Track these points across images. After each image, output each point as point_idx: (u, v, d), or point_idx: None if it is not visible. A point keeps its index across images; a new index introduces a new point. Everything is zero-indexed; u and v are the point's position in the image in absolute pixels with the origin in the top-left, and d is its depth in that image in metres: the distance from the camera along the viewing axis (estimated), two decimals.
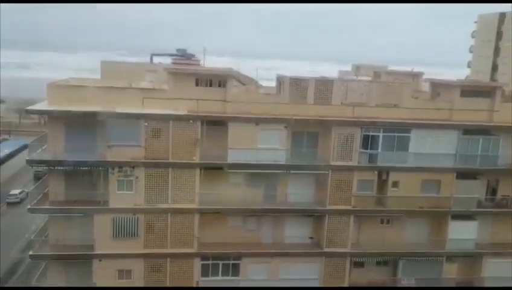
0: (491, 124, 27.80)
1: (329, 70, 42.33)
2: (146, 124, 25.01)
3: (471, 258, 28.97)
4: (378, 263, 29.31)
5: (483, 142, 27.77)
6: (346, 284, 28.40)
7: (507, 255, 28.74)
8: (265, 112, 25.98)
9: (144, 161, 25.35)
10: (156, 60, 41.79)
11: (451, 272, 28.85)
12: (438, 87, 29.92)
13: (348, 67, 39.20)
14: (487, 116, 27.89)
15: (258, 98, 26.97)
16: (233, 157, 25.96)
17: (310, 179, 27.65)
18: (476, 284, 28.97)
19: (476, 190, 28.27)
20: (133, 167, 25.43)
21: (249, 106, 25.94)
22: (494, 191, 29.12)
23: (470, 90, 28.17)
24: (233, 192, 26.87)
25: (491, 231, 29.23)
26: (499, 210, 28.57)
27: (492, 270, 28.79)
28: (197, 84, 25.88)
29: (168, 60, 37.70)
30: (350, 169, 27.02)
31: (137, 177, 25.56)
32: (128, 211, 25.86)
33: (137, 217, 26.09)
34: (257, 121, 25.95)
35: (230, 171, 26.52)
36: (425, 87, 31.60)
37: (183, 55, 38.70)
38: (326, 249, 27.81)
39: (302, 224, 28.34)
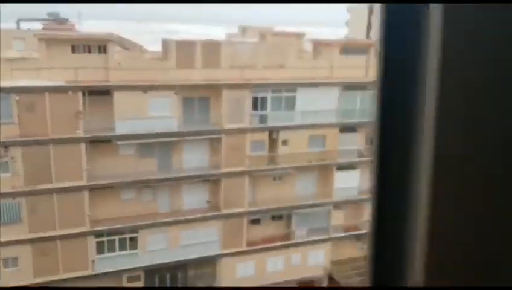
0: (367, 79, 29.99)
1: (219, 34, 41.64)
2: (17, 98, 22.40)
3: (355, 204, 31.71)
4: (273, 218, 30.71)
5: (361, 97, 29.97)
6: (244, 242, 29.39)
7: None
8: (152, 78, 24.85)
9: (19, 139, 22.86)
10: (23, 26, 37.13)
11: (338, 219, 31.39)
12: (320, 46, 31.23)
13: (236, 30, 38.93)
14: (363, 72, 29.99)
15: (144, 64, 25.66)
16: (121, 128, 24.64)
17: (204, 144, 27.51)
18: (361, 228, 31.94)
19: (356, 141, 30.66)
20: (7, 147, 22.83)
21: (134, 73, 24.56)
22: (372, 142, 31.78)
23: (348, 48, 29.93)
24: (125, 164, 25.72)
25: (370, 177, 32.12)
26: None
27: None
28: (73, 51, 23.70)
29: (38, 26, 33.72)
30: (242, 131, 27.39)
31: (12, 158, 23.06)
32: (6, 195, 23.38)
33: (18, 201, 23.76)
34: (144, 89, 24.77)
35: (119, 143, 25.21)
36: (308, 47, 32.80)
37: (56, 20, 34.88)
38: (224, 211, 28.30)
39: (200, 190, 28.35)
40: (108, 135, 24.64)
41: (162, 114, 25.29)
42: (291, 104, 28.33)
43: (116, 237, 26.66)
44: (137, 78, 24.51)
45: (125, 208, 26.55)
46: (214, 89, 26.39)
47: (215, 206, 28.61)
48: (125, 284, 27.59)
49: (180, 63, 25.49)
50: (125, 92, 24.36)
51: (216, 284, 29.45)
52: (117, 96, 24.33)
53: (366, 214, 31.67)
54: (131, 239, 27.00)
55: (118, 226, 26.22)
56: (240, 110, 26.98)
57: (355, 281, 30.46)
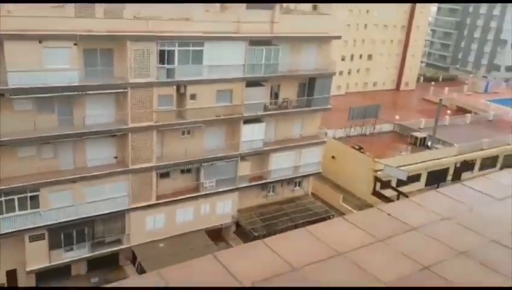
0: (272, 34, 30.75)
1: None
2: None
3: (261, 155, 33.25)
4: (182, 172, 31.17)
5: (266, 52, 30.74)
6: (154, 195, 29.63)
7: (287, 149, 33.95)
8: (49, 27, 23.07)
9: None
10: None
11: (245, 170, 32.78)
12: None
13: None
14: (269, 27, 30.64)
15: (38, 11, 23.59)
16: (14, 81, 22.86)
17: (108, 98, 26.57)
18: (266, 177, 33.73)
19: (262, 95, 31.71)
20: None
21: (28, 21, 22.59)
22: (276, 96, 33.19)
23: (254, 2, 30.17)
24: (21, 120, 24.07)
25: (275, 130, 33.73)
26: (281, 111, 32.94)
27: (276, 163, 33.80)
28: None
29: None
30: (149, 85, 26.88)
31: None
32: None
33: None
34: (39, 38, 22.99)
35: (13, 97, 23.42)
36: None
37: None
38: (132, 167, 28.04)
39: (106, 145, 27.62)
40: (0, 88, 22.73)
41: (61, 66, 23.82)
42: (198, 58, 28.23)
43: (15, 197, 25.30)
44: (32, 27, 22.61)
45: (24, 166, 25.13)
46: (118, 40, 25.31)
47: (122, 162, 28.21)
48: (28, 244, 26.61)
49: (80, 12, 23.90)
50: (18, 42, 22.43)
51: (125, 238, 29.59)
52: (8, 46, 22.33)
53: (272, 164, 33.49)
54: (32, 198, 25.81)
55: (16, 185, 24.85)
56: (146, 63, 26.32)
57: (259, 226, 32.56)
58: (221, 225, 33.21)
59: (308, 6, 46.53)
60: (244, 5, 29.47)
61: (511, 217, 3.83)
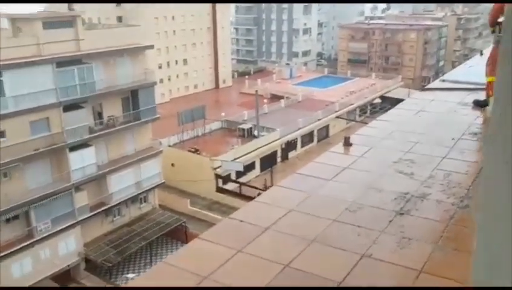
0: (80, 52, 28.91)
1: None
2: None
3: (97, 180, 31.15)
4: (8, 221, 27.29)
5: (79, 72, 28.81)
6: None
7: (124, 167, 32.49)
8: None
9: None
10: None
11: (82, 200, 30.31)
12: (18, 22, 28.07)
13: None
14: (75, 45, 28.72)
15: None
16: None
17: None
18: (108, 202, 31.71)
19: (84, 118, 29.63)
20: None
21: None
22: (100, 115, 31.41)
23: (51, 21, 27.92)
24: None
25: (107, 151, 31.91)
26: (109, 131, 31.31)
27: (116, 184, 32.10)
28: None
29: None
30: None
31: None
32: None
33: None
34: None
35: None
36: (4, 23, 28.97)
37: None
38: None
39: None
40: None
41: None
42: None
43: None
44: None
45: None
46: None
47: None
48: None
49: None
50: None
51: None
52: None
53: (111, 187, 31.68)
54: None
55: None
56: None
57: (111, 255, 30.60)
58: (68, 265, 30.20)
59: (113, 19, 45.11)
60: (40, 25, 27.01)
61: (344, 195, 4.25)
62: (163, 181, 35.77)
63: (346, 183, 4.49)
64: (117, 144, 32.31)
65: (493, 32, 7.17)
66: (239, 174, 41.16)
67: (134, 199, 34.17)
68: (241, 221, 3.76)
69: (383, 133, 5.86)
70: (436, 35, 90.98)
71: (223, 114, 51.14)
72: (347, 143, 5.45)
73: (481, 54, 10.79)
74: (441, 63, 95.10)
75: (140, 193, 34.23)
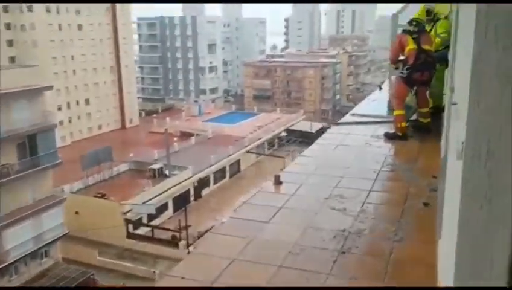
0: None
1: None
2: None
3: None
4: None
5: None
6: None
7: (20, 220, 29.48)
8: None
9: None
10: None
11: None
12: None
13: None
14: None
15: None
16: None
17: None
18: (4, 260, 28.39)
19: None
20: None
21: None
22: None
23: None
24: None
25: (4, 202, 28.76)
26: (5, 179, 28.43)
27: (12, 239, 28.97)
28: None
29: None
30: None
31: None
32: None
33: None
34: None
35: None
36: None
37: None
38: None
39: None
40: None
41: None
42: None
43: None
44: None
45: None
46: None
47: None
48: None
49: None
50: None
51: None
52: None
53: (7, 243, 28.46)
54: None
55: None
56: None
57: None
58: None
59: (4, 59, 42.01)
60: None
61: (284, 237, 4.18)
62: (67, 232, 33.08)
63: (284, 224, 4.44)
64: (13, 195, 29.30)
65: (396, 68, 7.83)
66: (151, 216, 39.57)
67: (33, 255, 31.03)
68: (183, 278, 3.51)
69: (308, 169, 5.96)
70: (332, 71, 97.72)
71: (131, 155, 49.36)
72: (277, 182, 5.43)
73: (380, 88, 11.66)
74: (337, 97, 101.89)
75: (40, 247, 31.22)
